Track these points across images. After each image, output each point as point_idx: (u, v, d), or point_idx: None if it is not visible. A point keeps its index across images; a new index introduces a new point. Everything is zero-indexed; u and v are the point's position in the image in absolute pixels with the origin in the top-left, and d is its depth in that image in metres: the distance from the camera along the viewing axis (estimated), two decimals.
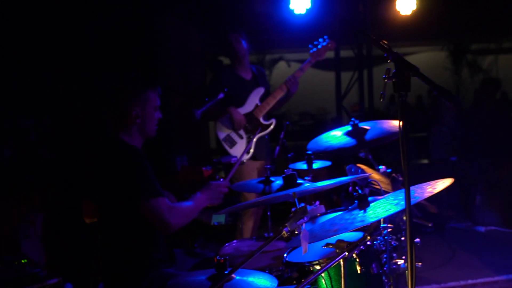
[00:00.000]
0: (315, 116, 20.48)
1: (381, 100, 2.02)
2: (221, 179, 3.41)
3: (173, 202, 3.13)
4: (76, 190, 5.28)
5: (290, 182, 2.28)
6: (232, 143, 5.27)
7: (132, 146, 3.06)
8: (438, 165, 8.17)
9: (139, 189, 2.91)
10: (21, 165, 5.69)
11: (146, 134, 3.18)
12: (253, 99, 5.39)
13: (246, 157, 5.29)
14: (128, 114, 3.08)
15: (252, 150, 5.31)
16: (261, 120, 5.37)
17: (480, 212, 7.14)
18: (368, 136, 3.71)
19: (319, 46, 5.49)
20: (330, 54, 5.76)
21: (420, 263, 3.01)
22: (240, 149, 5.28)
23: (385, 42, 2.09)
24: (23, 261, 4.17)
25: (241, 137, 5.31)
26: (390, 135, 3.62)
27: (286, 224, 2.12)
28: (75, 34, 5.56)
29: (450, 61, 18.03)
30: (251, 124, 5.32)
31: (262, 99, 5.41)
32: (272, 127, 5.41)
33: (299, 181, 2.96)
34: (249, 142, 5.30)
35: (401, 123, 2.01)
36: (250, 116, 5.33)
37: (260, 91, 5.43)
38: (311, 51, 5.50)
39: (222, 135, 5.31)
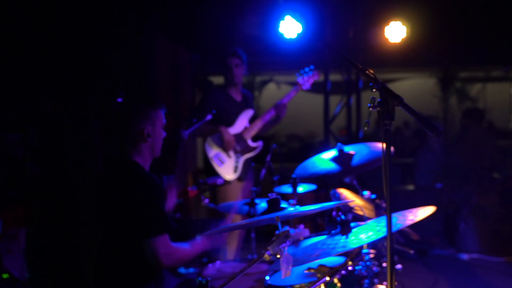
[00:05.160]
0: (304, 138, 20.52)
1: (366, 128, 2.05)
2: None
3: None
4: (62, 205, 5.26)
5: (273, 206, 2.29)
6: (221, 162, 5.32)
7: (150, 175, 3.02)
8: (423, 192, 8.20)
9: (145, 225, 2.88)
10: (6, 180, 5.65)
11: (154, 153, 3.16)
12: (243, 121, 5.46)
13: (232, 177, 5.33)
14: (139, 133, 3.05)
15: (239, 171, 5.35)
16: (249, 141, 5.42)
17: (463, 240, 7.17)
18: (353, 162, 3.75)
19: (305, 76, 5.55)
20: (319, 78, 5.81)
21: None
22: (228, 168, 5.32)
23: (371, 71, 2.12)
24: (4, 276, 4.16)
25: (230, 157, 5.36)
26: (375, 161, 3.66)
27: (268, 248, 2.13)
28: (64, 50, 5.57)
29: (438, 88, 18.17)
30: (240, 145, 5.37)
31: (251, 121, 5.47)
32: (258, 149, 5.47)
33: (283, 205, 2.98)
34: (237, 162, 5.35)
35: (384, 151, 2.04)
36: (239, 137, 5.38)
37: (250, 113, 5.50)
38: (297, 79, 5.56)
39: (211, 153, 5.35)
